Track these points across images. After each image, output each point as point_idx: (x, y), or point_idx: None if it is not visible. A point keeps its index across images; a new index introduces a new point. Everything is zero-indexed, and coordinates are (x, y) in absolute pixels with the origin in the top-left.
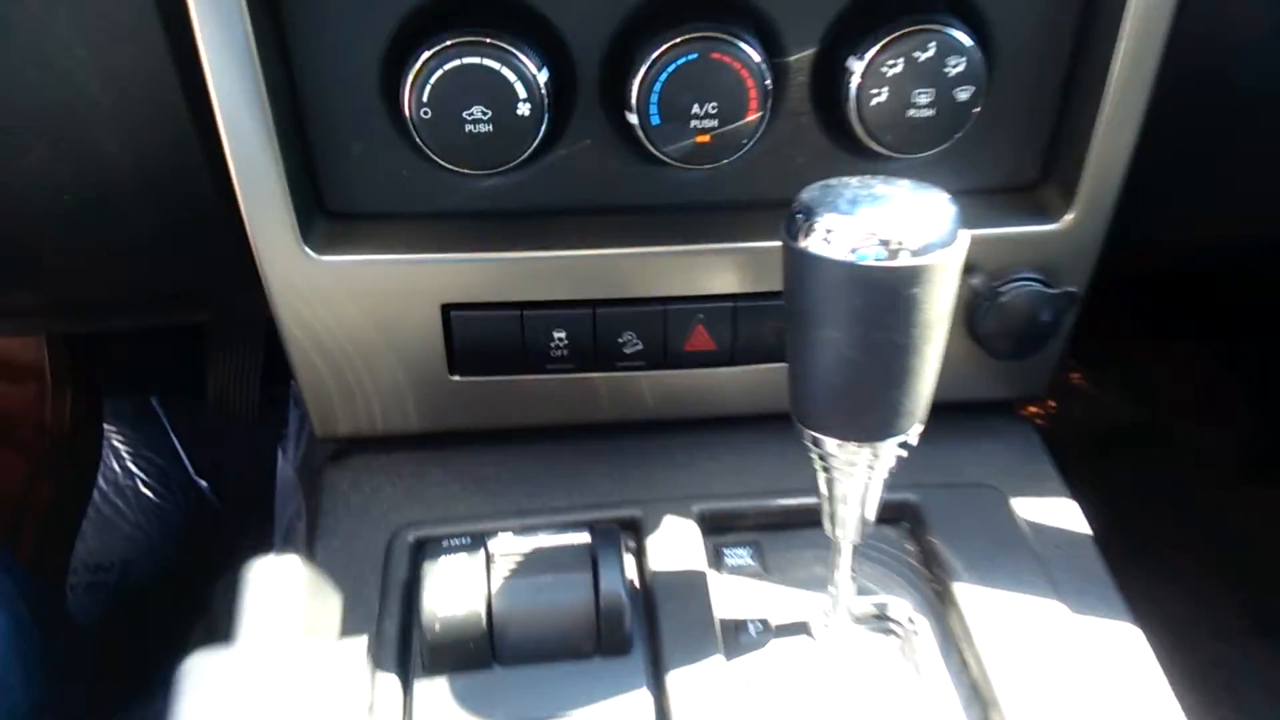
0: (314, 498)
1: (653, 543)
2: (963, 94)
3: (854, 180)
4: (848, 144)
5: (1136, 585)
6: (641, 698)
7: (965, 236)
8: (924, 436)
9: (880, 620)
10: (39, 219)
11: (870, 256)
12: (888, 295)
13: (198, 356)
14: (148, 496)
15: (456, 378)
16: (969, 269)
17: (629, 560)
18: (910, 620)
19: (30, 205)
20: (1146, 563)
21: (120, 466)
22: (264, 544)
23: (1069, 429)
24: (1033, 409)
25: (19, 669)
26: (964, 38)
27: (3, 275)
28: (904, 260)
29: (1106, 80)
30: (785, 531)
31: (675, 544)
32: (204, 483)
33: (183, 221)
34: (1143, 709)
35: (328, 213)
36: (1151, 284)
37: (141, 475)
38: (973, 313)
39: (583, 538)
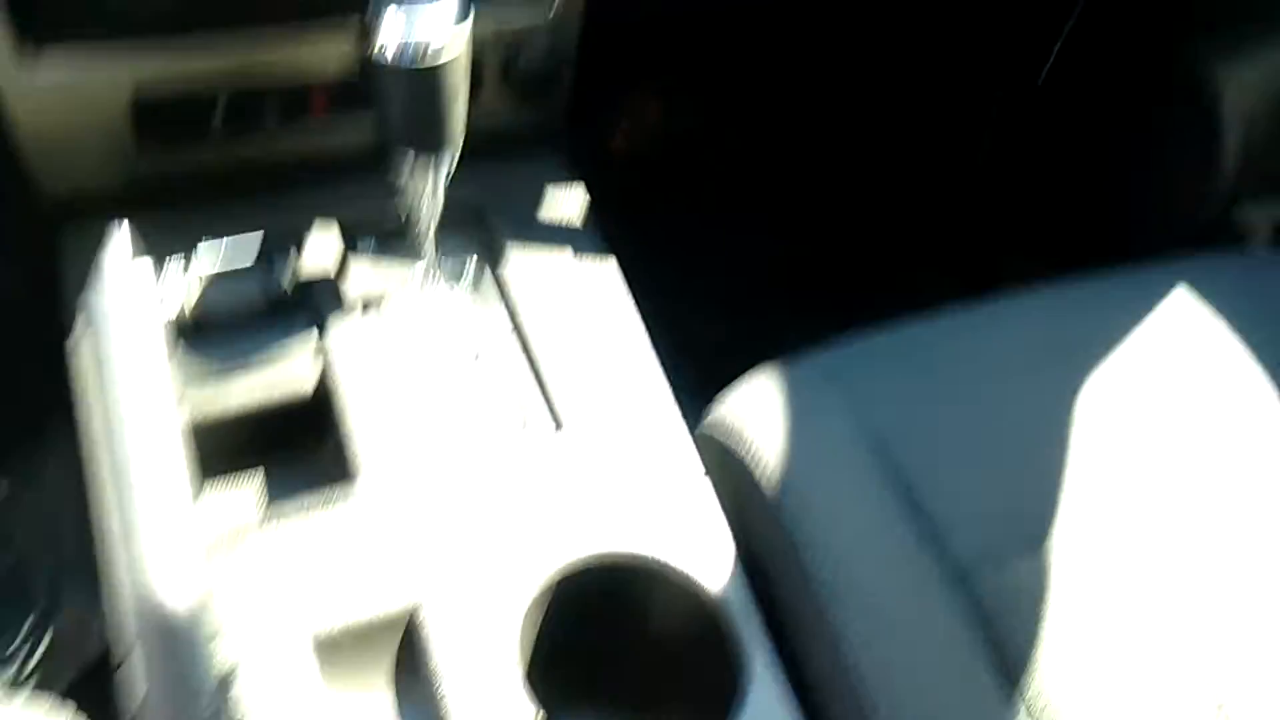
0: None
1: (310, 242)
2: None
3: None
4: None
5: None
6: (308, 347)
7: (470, 18)
8: (484, 159)
9: (458, 277)
10: None
11: (412, 44)
12: (424, 78)
13: None
14: None
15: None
16: (497, 40)
17: (293, 255)
18: (475, 275)
19: None
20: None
21: None
22: None
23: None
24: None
25: None
26: None
27: None
28: (431, 60)
29: None
30: (396, 231)
31: (323, 241)
32: None
33: None
34: (601, 295)
35: None
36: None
37: None
38: (503, 71)
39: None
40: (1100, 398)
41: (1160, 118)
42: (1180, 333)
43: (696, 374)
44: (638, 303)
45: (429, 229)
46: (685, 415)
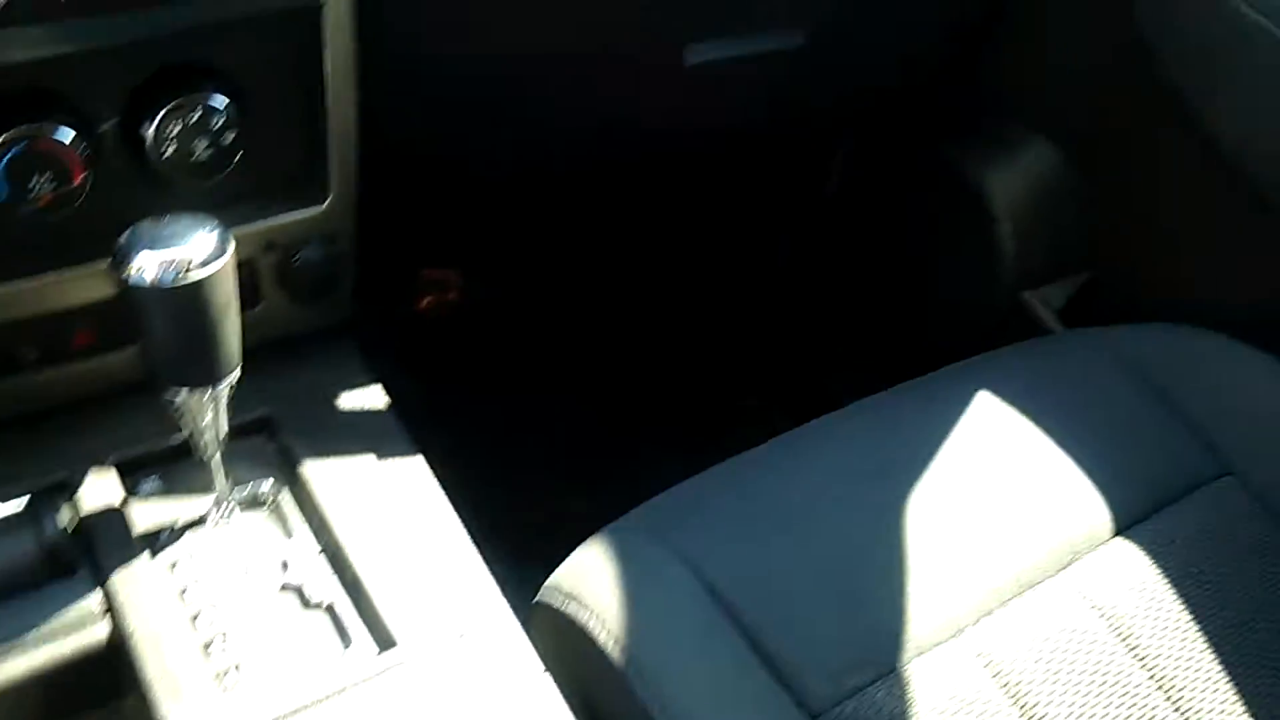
0: None
1: (84, 490)
2: (227, 139)
3: (155, 222)
4: (161, 184)
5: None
6: (94, 602)
7: (231, 248)
8: (270, 365)
9: (255, 500)
10: None
11: (169, 278)
12: (188, 298)
13: None
14: None
15: None
16: (271, 246)
17: (65, 511)
18: (274, 494)
19: None
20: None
21: None
22: None
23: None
24: (425, 301)
25: None
26: (220, 103)
27: None
28: (192, 276)
29: (327, 114)
30: (181, 460)
31: (100, 480)
32: None
33: None
34: (409, 494)
35: None
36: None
37: None
38: (280, 276)
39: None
40: (921, 508)
41: (942, 217)
42: (986, 429)
43: (521, 556)
44: (448, 490)
45: (216, 453)
46: (515, 601)
